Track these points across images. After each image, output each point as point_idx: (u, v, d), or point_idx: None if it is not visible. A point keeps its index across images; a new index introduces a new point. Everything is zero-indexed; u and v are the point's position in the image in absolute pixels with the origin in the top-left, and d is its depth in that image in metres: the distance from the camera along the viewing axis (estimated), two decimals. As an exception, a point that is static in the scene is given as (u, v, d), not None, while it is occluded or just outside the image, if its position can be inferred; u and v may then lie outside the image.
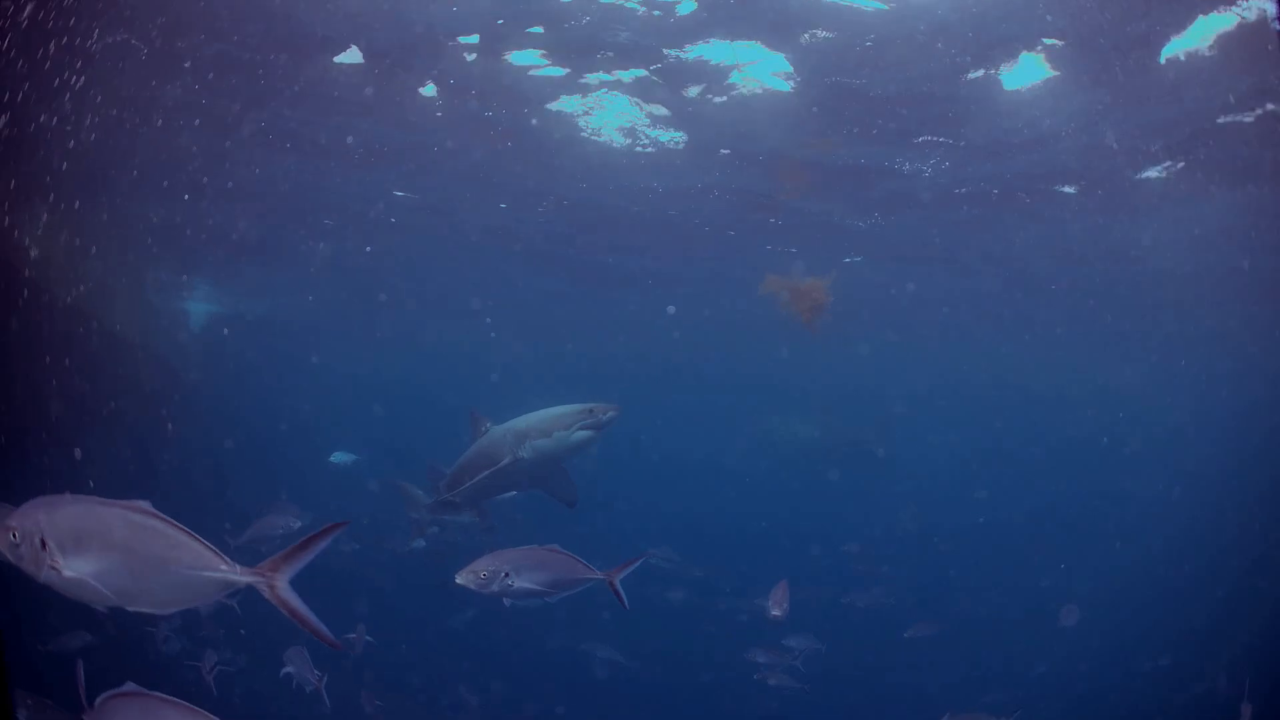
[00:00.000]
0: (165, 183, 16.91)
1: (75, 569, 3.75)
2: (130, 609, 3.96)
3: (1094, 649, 20.79)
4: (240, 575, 3.90)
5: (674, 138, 15.03)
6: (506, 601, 6.95)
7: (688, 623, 21.24)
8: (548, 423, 10.10)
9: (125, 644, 12.12)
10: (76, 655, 10.35)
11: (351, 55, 12.14)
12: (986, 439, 42.40)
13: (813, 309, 9.09)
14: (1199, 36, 10.68)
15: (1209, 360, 27.90)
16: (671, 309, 25.26)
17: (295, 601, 3.96)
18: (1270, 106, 12.56)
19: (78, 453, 12.66)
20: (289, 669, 10.65)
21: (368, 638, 13.53)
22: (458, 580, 6.67)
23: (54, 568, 3.73)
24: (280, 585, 3.93)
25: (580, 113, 14.11)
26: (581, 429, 9.91)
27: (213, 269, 25.17)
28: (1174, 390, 32.16)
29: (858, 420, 41.90)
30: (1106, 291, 22.14)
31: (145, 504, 3.87)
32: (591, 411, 9.91)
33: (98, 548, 3.77)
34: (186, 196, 18.04)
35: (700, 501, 37.94)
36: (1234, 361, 27.30)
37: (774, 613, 9.95)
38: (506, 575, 6.67)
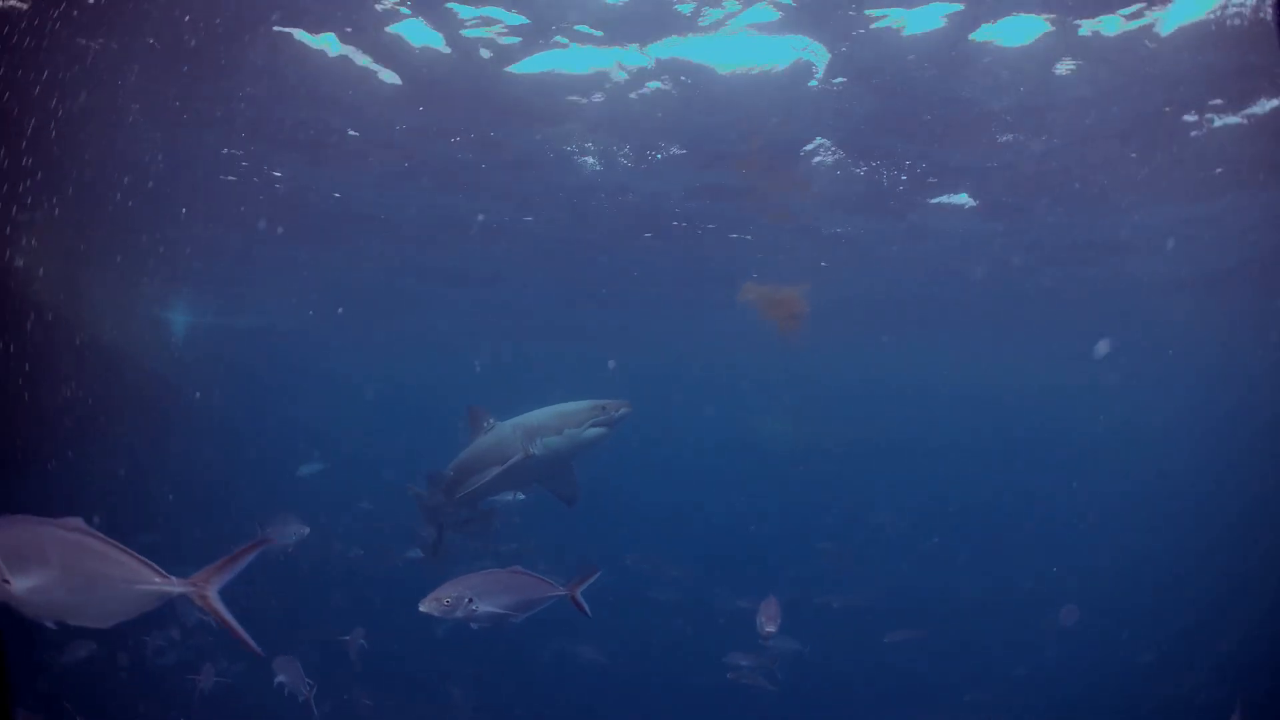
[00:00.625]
0: (155, 190, 16.92)
1: (21, 586, 3.94)
2: (73, 623, 4.18)
3: (1077, 649, 20.91)
4: (174, 586, 4.14)
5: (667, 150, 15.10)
6: (473, 625, 6.90)
7: (676, 623, 21.33)
8: (559, 419, 9.95)
9: (123, 655, 12.30)
10: (80, 665, 10.56)
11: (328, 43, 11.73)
12: (967, 438, 42.50)
13: (789, 317, 9.19)
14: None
15: (1194, 359, 28.07)
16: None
17: (224, 610, 4.20)
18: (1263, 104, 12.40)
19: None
20: (281, 678, 10.76)
21: (362, 641, 13.71)
22: (421, 608, 6.67)
23: (6, 582, 3.92)
24: (211, 595, 4.17)
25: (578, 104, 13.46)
26: (593, 426, 9.79)
27: (201, 280, 25.19)
28: (1157, 389, 32.36)
29: (841, 420, 42.04)
30: (1091, 291, 22.28)
31: (78, 521, 4.08)
32: (604, 408, 9.81)
33: (37, 565, 3.96)
34: (184, 210, 18.11)
35: (683, 500, 38.08)
36: (1220, 360, 27.45)
37: (767, 629, 9.78)
38: (470, 601, 6.71)
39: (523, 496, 12.70)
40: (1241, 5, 9.99)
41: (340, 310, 28.41)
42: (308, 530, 12.34)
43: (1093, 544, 29.01)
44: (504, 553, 15.41)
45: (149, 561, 4.12)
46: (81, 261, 16.89)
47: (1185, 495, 30.69)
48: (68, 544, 4.02)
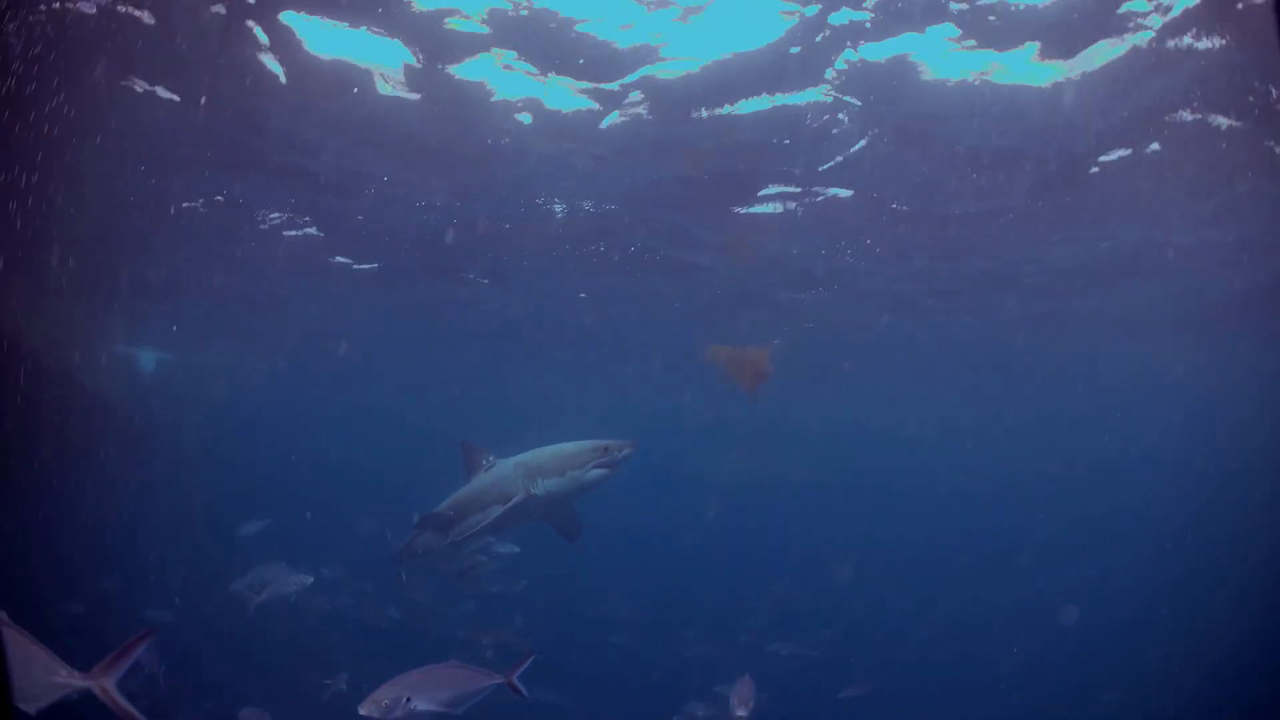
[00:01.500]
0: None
1: None
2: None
3: (1038, 690, 21.11)
4: (77, 680, 4.50)
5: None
6: None
7: (638, 667, 21.29)
8: (561, 460, 9.64)
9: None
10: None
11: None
12: (923, 480, 42.56)
13: (755, 378, 9.25)
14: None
15: (1151, 390, 28.23)
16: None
17: (123, 701, 4.54)
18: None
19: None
20: None
21: (343, 686, 13.68)
22: (361, 712, 6.61)
23: None
24: (109, 686, 4.54)
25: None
26: (596, 467, 9.50)
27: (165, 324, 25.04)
28: (1122, 423, 32.65)
29: (801, 459, 41.92)
30: (1075, 317, 22.12)
31: (2, 614, 4.34)
32: (606, 449, 9.51)
33: None
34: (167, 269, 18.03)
35: (647, 540, 38.04)
36: (1186, 391, 27.74)
37: (739, 713, 9.44)
38: (408, 700, 6.63)
39: (517, 550, 12.67)
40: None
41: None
42: (310, 580, 12.27)
43: (1048, 585, 29.09)
44: (492, 593, 15.42)
45: (55, 655, 4.47)
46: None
47: (1150, 528, 30.98)
48: None
